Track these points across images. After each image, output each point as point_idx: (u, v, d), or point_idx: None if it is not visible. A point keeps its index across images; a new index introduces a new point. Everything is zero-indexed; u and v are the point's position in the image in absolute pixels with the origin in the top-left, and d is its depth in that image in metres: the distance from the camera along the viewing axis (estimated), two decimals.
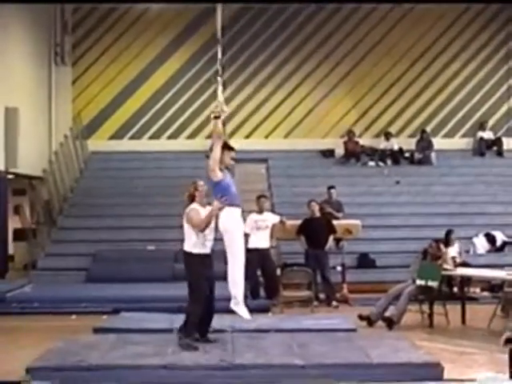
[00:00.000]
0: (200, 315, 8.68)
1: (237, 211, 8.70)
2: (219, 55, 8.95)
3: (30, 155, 17.55)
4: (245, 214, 14.00)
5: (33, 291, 13.75)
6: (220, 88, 8.86)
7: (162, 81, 20.99)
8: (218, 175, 8.57)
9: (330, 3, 20.50)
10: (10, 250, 18.36)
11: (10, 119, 16.62)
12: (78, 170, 19.97)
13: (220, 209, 8.57)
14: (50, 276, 15.24)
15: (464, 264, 13.72)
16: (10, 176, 17.16)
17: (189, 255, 8.71)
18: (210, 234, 8.73)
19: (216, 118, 8.67)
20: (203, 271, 8.62)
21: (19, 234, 19.94)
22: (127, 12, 20.99)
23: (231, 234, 8.56)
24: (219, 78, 8.92)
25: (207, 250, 8.70)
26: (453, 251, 13.96)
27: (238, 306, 8.59)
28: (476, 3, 20.73)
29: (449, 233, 14.57)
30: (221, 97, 8.82)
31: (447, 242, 13.96)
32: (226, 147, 8.81)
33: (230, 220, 8.59)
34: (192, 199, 8.88)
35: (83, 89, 20.92)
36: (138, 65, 20.96)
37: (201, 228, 8.58)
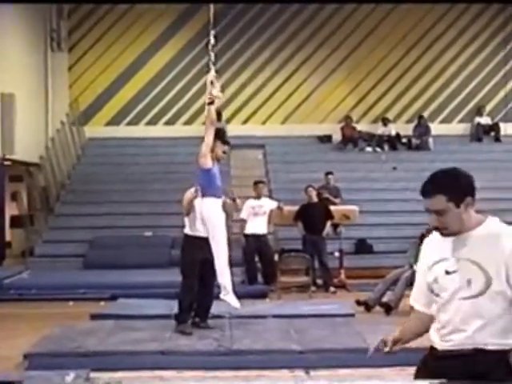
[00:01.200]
0: (191, 301, 8.74)
1: (218, 202, 8.65)
2: (211, 40, 8.83)
3: (26, 141, 17.51)
4: (242, 200, 14.09)
5: (30, 278, 13.76)
6: (213, 73, 8.76)
7: (158, 67, 20.93)
8: (208, 163, 8.53)
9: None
10: (8, 237, 18.33)
11: (6, 105, 16.57)
12: (75, 157, 19.94)
13: (194, 197, 8.62)
14: (47, 263, 15.25)
15: None
16: (7, 162, 17.13)
17: (186, 237, 8.95)
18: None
19: (210, 103, 8.58)
20: (196, 253, 8.70)
21: (16, 221, 19.90)
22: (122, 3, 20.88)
23: (213, 224, 8.53)
24: (211, 64, 8.84)
25: (204, 234, 8.65)
26: None
27: (228, 295, 8.55)
28: (476, 3, 20.67)
29: None
30: (215, 82, 8.72)
31: None
32: (221, 140, 8.77)
33: (212, 210, 8.56)
34: None
35: (80, 75, 20.86)
36: (135, 51, 20.89)
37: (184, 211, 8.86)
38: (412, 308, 3.92)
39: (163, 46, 20.98)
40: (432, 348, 3.75)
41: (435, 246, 3.75)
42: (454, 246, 3.63)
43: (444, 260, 3.64)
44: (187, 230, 8.94)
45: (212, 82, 8.69)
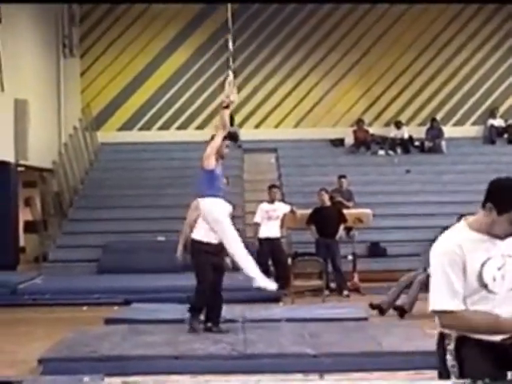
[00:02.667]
0: (202, 304, 8.92)
1: (219, 200, 8.63)
2: (230, 45, 8.84)
3: (39, 147, 17.57)
4: (256, 204, 14.11)
5: (44, 283, 13.77)
6: (231, 77, 8.74)
7: (170, 72, 20.97)
8: (212, 164, 8.51)
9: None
10: (21, 242, 18.42)
11: (20, 111, 16.64)
12: (88, 162, 19.99)
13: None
14: (61, 268, 15.31)
15: None
16: (21, 168, 17.21)
17: (196, 243, 9.01)
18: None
19: (225, 107, 8.56)
20: (205, 257, 8.86)
21: (30, 226, 19.99)
22: (134, 3, 20.92)
23: (216, 220, 8.52)
24: (230, 67, 8.84)
25: (212, 240, 8.86)
26: None
27: (259, 282, 8.51)
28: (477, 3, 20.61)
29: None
30: (233, 86, 8.70)
31: None
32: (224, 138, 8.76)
33: (212, 208, 8.54)
34: None
35: (92, 80, 20.93)
36: (147, 56, 20.94)
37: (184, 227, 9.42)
38: (450, 312, 3.91)
39: (175, 51, 21.02)
40: (480, 341, 3.83)
41: (476, 247, 3.90)
42: (497, 245, 3.88)
43: (492, 258, 3.84)
44: (195, 236, 9.04)
45: (230, 85, 8.66)
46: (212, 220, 8.53)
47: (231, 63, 8.85)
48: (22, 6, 17.43)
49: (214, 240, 8.84)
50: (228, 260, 9.45)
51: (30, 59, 18.25)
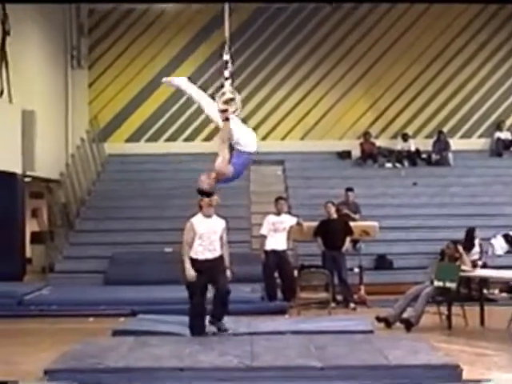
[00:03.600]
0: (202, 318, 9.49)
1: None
2: (225, 51, 8.77)
3: (47, 158, 17.61)
4: (262, 216, 14.11)
5: (51, 294, 13.78)
6: (226, 87, 8.60)
7: None
8: (230, 170, 8.24)
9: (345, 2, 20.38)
10: (28, 253, 18.45)
11: (27, 122, 16.68)
12: (95, 173, 20.03)
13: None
14: (67, 279, 15.30)
15: (485, 266, 13.66)
16: (28, 179, 17.24)
17: (192, 261, 9.55)
18: (212, 239, 9.60)
19: (227, 119, 8.23)
20: (201, 273, 9.40)
21: (37, 237, 20.04)
22: (143, 15, 21.03)
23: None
24: (227, 73, 8.73)
25: (208, 256, 9.50)
26: (474, 252, 13.90)
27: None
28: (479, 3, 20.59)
29: (470, 231, 14.45)
30: (232, 94, 8.54)
31: (470, 239, 13.93)
32: None
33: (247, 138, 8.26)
34: (200, 208, 9.78)
35: (100, 92, 20.99)
36: (154, 67, 20.97)
37: (183, 248, 9.64)
38: None
39: (183, 63, 21.06)
40: None
41: None
42: None
43: None
44: (193, 255, 9.60)
45: (230, 99, 8.47)
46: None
47: (226, 73, 8.70)
48: (30, 16, 17.52)
49: (210, 256, 9.47)
50: (228, 272, 9.71)
51: (38, 70, 18.31)
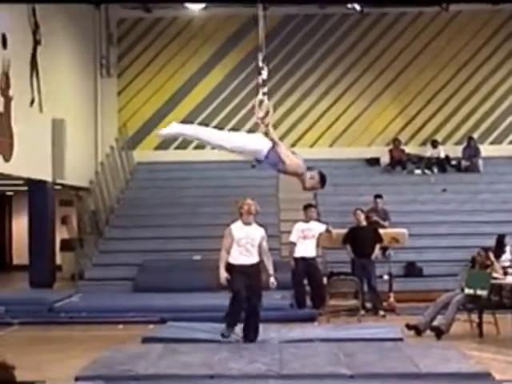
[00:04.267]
0: (237, 314, 9.54)
1: None
2: (260, 58, 8.65)
3: (76, 166, 17.74)
4: (291, 223, 14.08)
5: (80, 301, 13.86)
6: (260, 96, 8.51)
7: (206, 91, 21.09)
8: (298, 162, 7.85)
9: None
10: (58, 260, 18.57)
11: (57, 131, 16.83)
12: (124, 181, 20.12)
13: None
14: (97, 286, 15.37)
15: None
16: (58, 187, 17.38)
17: (229, 265, 9.64)
18: (248, 247, 9.68)
19: (267, 125, 8.09)
20: (241, 278, 9.47)
21: (66, 245, 20.18)
22: (171, 24, 21.15)
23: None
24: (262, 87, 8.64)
25: (245, 262, 9.58)
26: (505, 259, 13.77)
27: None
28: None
29: (502, 237, 14.35)
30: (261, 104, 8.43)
31: (500, 247, 13.82)
32: None
33: None
34: (240, 215, 9.84)
35: (129, 100, 21.12)
36: (182, 75, 21.09)
37: (221, 253, 9.74)
38: None
39: (211, 71, 21.14)
40: None
41: None
42: None
43: None
44: (230, 260, 9.67)
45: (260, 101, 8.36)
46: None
47: (261, 80, 8.57)
48: (61, 26, 17.69)
49: (246, 261, 9.54)
50: (272, 279, 9.81)
51: (68, 79, 18.47)
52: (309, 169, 8.01)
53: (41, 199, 16.35)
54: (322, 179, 8.04)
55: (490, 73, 20.92)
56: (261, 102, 8.14)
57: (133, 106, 21.10)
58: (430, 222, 17.18)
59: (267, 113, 8.02)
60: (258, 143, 7.55)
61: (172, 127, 7.48)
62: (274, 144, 7.54)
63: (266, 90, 8.38)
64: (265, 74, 8.59)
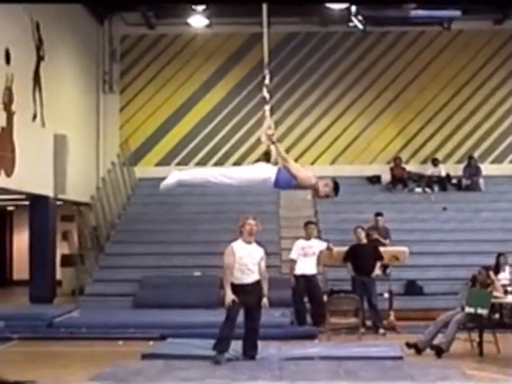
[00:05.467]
0: (228, 333, 9.38)
1: None
2: (266, 80, 8.69)
3: (78, 182, 17.78)
4: (292, 241, 14.08)
5: (80, 316, 13.84)
6: (268, 112, 8.57)
7: (208, 108, 21.15)
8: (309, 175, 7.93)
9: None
10: (58, 276, 18.55)
11: (59, 146, 16.87)
12: (126, 197, 20.14)
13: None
14: (97, 301, 15.34)
15: None
16: (59, 202, 17.39)
17: (232, 286, 9.55)
18: (250, 266, 9.61)
19: (273, 143, 7.98)
20: (238, 298, 9.36)
21: (67, 260, 20.16)
22: (174, 41, 21.25)
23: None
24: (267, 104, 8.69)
25: (246, 280, 9.47)
26: (504, 277, 13.77)
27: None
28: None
29: (499, 256, 14.37)
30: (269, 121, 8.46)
31: (498, 266, 13.81)
32: None
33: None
34: (240, 233, 9.79)
35: (131, 116, 21.19)
36: (185, 92, 21.17)
37: (225, 272, 9.60)
38: None
39: (213, 88, 21.22)
40: None
41: None
42: None
43: None
44: (233, 280, 9.58)
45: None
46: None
47: (266, 95, 8.62)
48: (63, 42, 17.78)
49: (248, 280, 9.46)
50: (265, 300, 9.69)
51: (71, 95, 18.54)
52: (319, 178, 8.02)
53: (42, 214, 16.38)
54: (336, 187, 8.03)
55: (491, 92, 20.98)
56: (269, 127, 8.17)
57: (135, 122, 21.16)
58: (431, 240, 17.17)
59: (269, 127, 8.10)
60: (264, 172, 7.61)
61: (172, 176, 7.53)
62: (283, 160, 7.60)
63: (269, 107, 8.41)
64: (266, 92, 8.63)
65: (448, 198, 19.45)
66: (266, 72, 8.68)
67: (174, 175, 7.59)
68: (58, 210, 17.83)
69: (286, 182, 7.62)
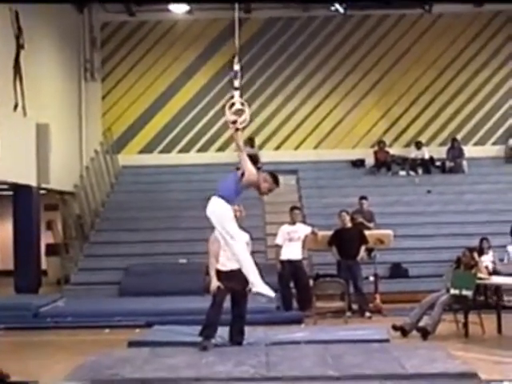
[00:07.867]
0: (215, 319, 9.29)
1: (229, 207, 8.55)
2: (236, 62, 8.69)
3: (61, 171, 17.69)
4: (277, 226, 14.08)
5: (66, 306, 13.80)
6: (236, 98, 8.58)
7: (190, 95, 21.09)
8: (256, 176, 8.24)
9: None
10: (43, 265, 18.49)
11: (42, 135, 16.77)
12: (109, 185, 20.09)
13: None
14: (82, 290, 15.34)
15: (495, 272, 13.58)
16: (42, 191, 17.31)
17: (218, 272, 9.45)
18: (232, 254, 9.25)
19: (236, 130, 8.25)
20: (224, 284, 9.28)
21: (52, 249, 20.11)
22: (155, 28, 21.15)
23: (222, 218, 8.37)
24: (237, 83, 8.68)
25: (232, 267, 9.16)
26: (487, 260, 13.84)
27: (259, 287, 8.33)
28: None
29: (482, 241, 14.47)
30: (241, 106, 8.49)
31: (481, 250, 13.86)
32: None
33: (221, 207, 8.44)
34: None
35: (113, 104, 21.09)
36: (167, 79, 21.09)
37: (210, 259, 9.52)
38: None
39: (195, 75, 21.15)
40: None
41: None
42: None
43: None
44: (219, 267, 9.48)
45: (239, 110, 8.47)
46: (216, 216, 8.36)
47: (236, 83, 8.64)
48: (43, 30, 17.63)
49: (234, 266, 9.00)
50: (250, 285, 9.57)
51: (52, 84, 18.41)
52: (258, 169, 8.17)
53: (25, 204, 16.28)
54: (275, 179, 8.07)
55: (473, 74, 21.02)
56: (232, 105, 8.21)
57: (117, 110, 21.07)
58: (415, 223, 17.24)
59: (244, 120, 8.12)
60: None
61: (265, 288, 7.95)
62: (238, 149, 7.73)
63: (239, 93, 8.42)
64: (239, 78, 8.62)
65: (432, 181, 19.51)
66: (236, 60, 8.62)
67: (262, 286, 7.89)
68: (42, 200, 17.74)
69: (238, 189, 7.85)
